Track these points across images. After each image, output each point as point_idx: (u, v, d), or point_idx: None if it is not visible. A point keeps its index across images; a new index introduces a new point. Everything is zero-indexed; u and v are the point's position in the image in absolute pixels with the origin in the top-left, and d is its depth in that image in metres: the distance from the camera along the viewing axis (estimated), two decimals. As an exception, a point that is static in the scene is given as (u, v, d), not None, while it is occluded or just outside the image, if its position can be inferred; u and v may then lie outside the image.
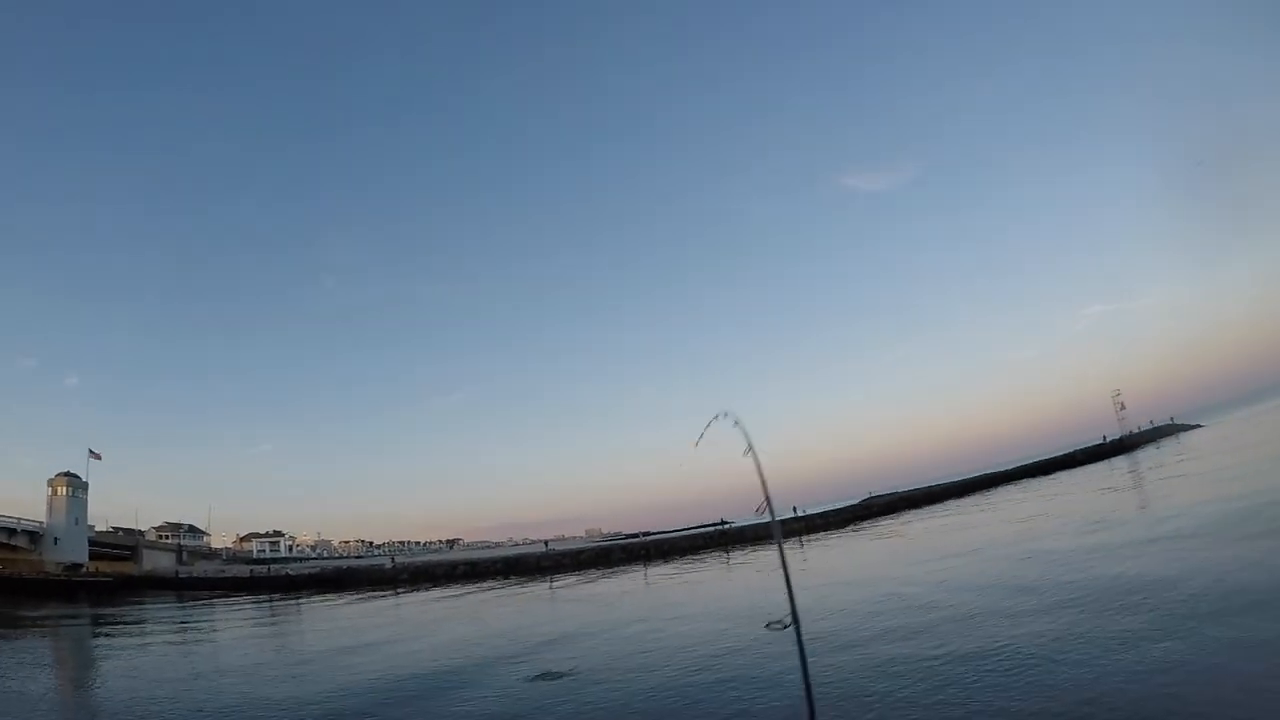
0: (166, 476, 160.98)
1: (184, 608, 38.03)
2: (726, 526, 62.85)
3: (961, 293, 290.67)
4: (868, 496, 72.81)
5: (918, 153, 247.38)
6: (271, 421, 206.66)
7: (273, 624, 29.15)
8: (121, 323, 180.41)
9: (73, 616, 33.52)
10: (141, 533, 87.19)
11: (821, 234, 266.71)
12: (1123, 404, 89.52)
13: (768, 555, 37.34)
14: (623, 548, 54.16)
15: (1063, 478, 53.16)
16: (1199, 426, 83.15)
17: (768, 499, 3.96)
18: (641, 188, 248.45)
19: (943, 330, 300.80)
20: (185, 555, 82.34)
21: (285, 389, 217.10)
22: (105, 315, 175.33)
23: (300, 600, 39.63)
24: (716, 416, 4.41)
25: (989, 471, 74.68)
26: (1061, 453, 79.48)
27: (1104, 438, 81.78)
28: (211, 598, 44.91)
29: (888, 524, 44.53)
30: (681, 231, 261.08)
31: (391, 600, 35.49)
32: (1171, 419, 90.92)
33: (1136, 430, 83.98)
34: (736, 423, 4.63)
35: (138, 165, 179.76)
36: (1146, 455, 55.86)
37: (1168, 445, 62.94)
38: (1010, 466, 76.33)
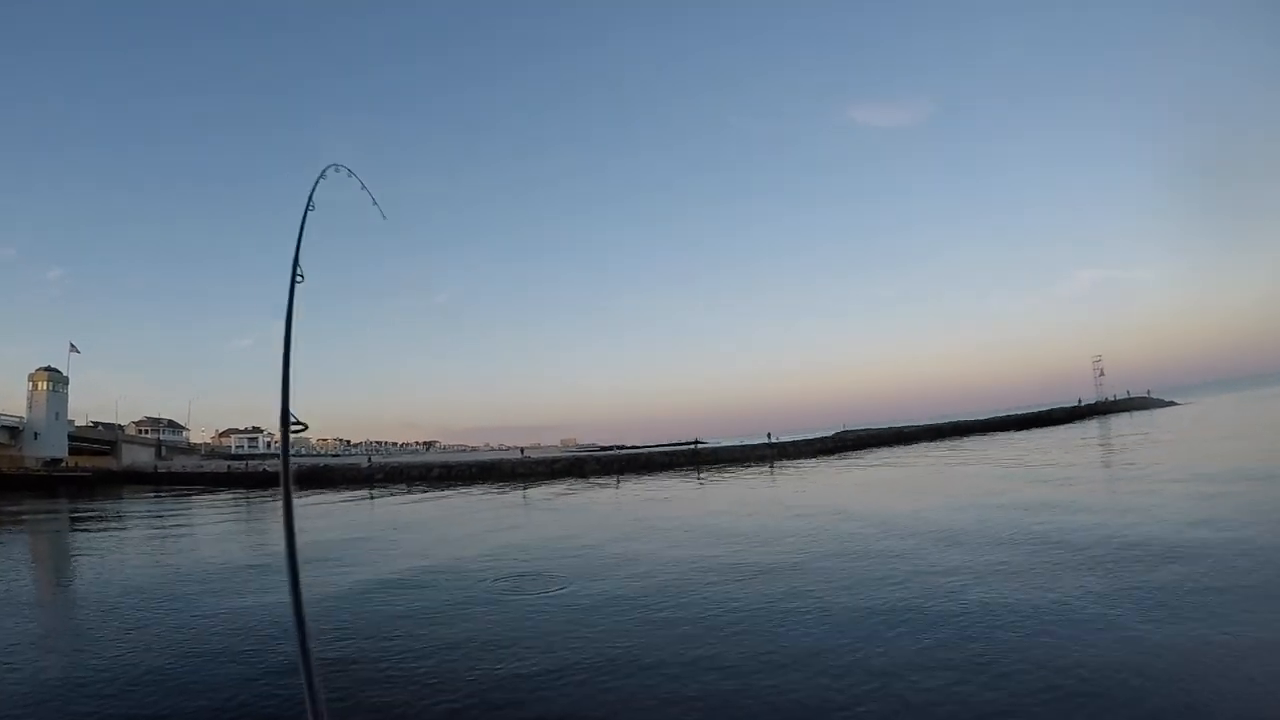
0: (147, 370, 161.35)
1: (161, 502, 38.73)
2: (700, 446, 64.33)
3: (957, 240, 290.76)
4: (841, 430, 74.51)
5: (932, 92, 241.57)
6: (253, 316, 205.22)
7: (247, 518, 29.82)
8: (104, 213, 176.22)
9: (52, 512, 34.00)
10: (121, 427, 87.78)
11: (824, 163, 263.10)
12: (1102, 370, 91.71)
13: (739, 478, 38.43)
14: (597, 459, 55.36)
15: (1034, 436, 53.59)
16: (1173, 404, 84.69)
17: (285, 406, 2.57)
18: (641, 92, 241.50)
19: (933, 275, 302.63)
20: (164, 450, 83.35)
21: (267, 283, 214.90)
22: (88, 205, 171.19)
23: (277, 496, 40.28)
24: (327, 169, 3.55)
25: (963, 419, 76.35)
26: (1036, 409, 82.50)
27: (1079, 401, 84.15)
28: (189, 493, 45.72)
29: (845, 462, 45.77)
30: (678, 140, 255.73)
31: (366, 499, 36.33)
32: (1148, 392, 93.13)
33: (1112, 398, 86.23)
34: (362, 186, 3.69)
35: (125, 51, 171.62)
36: (1119, 425, 56.63)
37: (1140, 418, 64.06)
38: (985, 417, 78.36)
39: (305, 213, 3.39)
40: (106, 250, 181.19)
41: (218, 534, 23.51)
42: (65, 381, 67.25)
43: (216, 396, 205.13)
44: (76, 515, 31.78)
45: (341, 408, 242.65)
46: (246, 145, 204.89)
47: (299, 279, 2.95)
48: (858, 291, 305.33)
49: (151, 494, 45.47)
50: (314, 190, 3.47)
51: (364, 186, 3.86)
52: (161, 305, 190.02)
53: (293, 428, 2.61)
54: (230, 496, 41.53)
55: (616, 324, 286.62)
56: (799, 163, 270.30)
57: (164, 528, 25.83)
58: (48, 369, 66.09)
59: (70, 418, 69.57)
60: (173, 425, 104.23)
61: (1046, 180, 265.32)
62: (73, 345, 69.51)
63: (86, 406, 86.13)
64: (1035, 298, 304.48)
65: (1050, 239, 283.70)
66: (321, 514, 29.41)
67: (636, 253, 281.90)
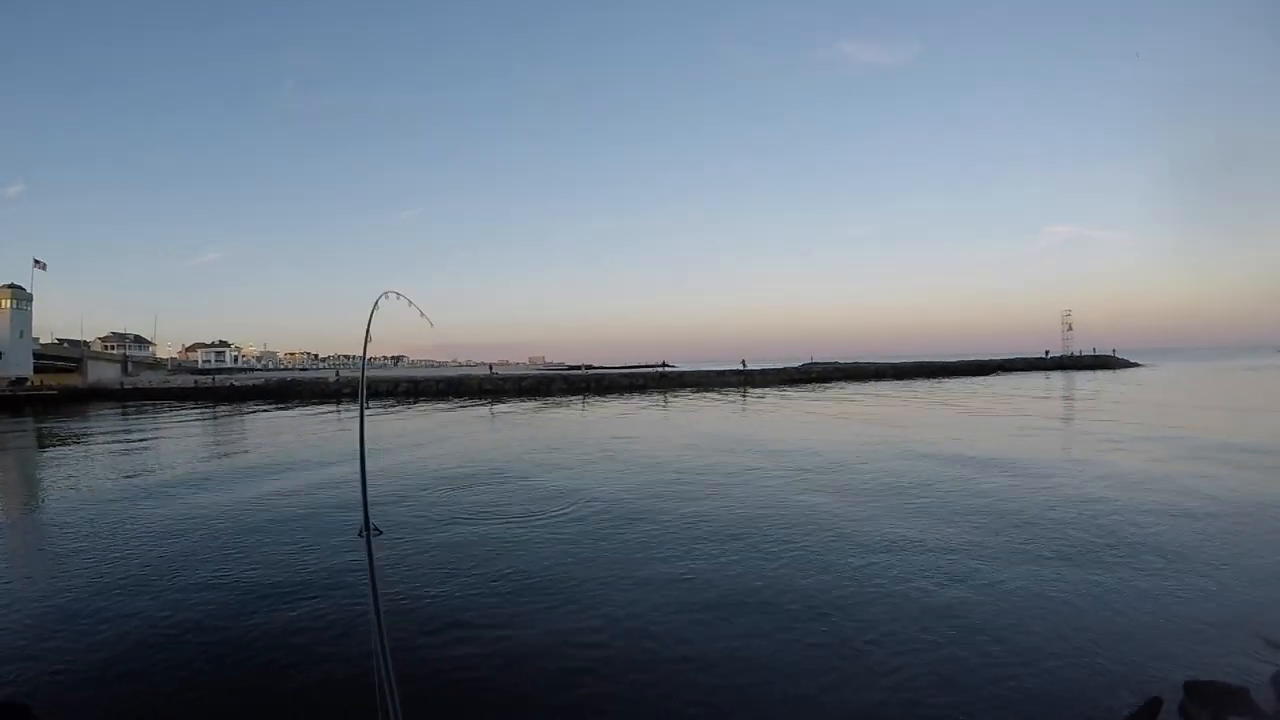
0: (112, 285, 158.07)
1: (127, 418, 38.77)
2: (667, 369, 65.50)
3: (936, 185, 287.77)
4: (809, 361, 75.96)
5: (923, 28, 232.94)
6: (220, 229, 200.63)
7: (215, 433, 30.19)
8: (67, 125, 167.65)
9: (18, 430, 33.90)
10: (87, 344, 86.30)
11: (809, 96, 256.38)
12: (1070, 325, 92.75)
13: (705, 401, 39.38)
14: (564, 378, 56.20)
15: (997, 383, 53.93)
16: (1138, 365, 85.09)
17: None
18: (628, 14, 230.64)
19: (911, 217, 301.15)
20: (130, 366, 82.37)
21: (236, 196, 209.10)
22: (50, 118, 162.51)
23: (244, 411, 40.72)
24: (381, 297, 3.85)
25: (930, 360, 77.54)
26: (1003, 357, 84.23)
27: (1046, 353, 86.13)
28: (156, 408, 45.73)
29: (796, 394, 46.66)
30: (661, 65, 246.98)
31: (334, 414, 36.79)
32: (1114, 351, 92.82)
33: (1079, 353, 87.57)
34: (411, 303, 4.01)
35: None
36: (1084, 380, 56.31)
37: (1104, 376, 63.98)
38: (953, 360, 79.68)
39: (365, 344, 3.83)
40: (68, 164, 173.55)
41: (184, 448, 23.91)
42: (29, 299, 65.63)
43: (184, 310, 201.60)
44: (43, 433, 31.87)
45: (308, 321, 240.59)
46: (209, 52, 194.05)
47: (367, 408, 3.50)
48: (832, 228, 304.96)
49: (118, 410, 45.39)
50: (370, 320, 3.84)
51: (412, 304, 4.16)
52: (126, 219, 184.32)
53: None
54: (197, 411, 41.72)
55: (588, 244, 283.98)
56: (783, 94, 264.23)
57: (131, 442, 26.17)
58: (11, 286, 64.30)
59: (35, 336, 68.29)
60: (139, 341, 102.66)
61: (1026, 132, 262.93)
62: (37, 261, 67.55)
63: (51, 324, 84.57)
64: (1007, 248, 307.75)
65: (1026, 191, 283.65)
66: (289, 428, 29.97)
67: (610, 175, 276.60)
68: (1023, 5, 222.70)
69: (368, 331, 3.83)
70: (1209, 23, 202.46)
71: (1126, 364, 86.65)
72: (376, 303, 3.83)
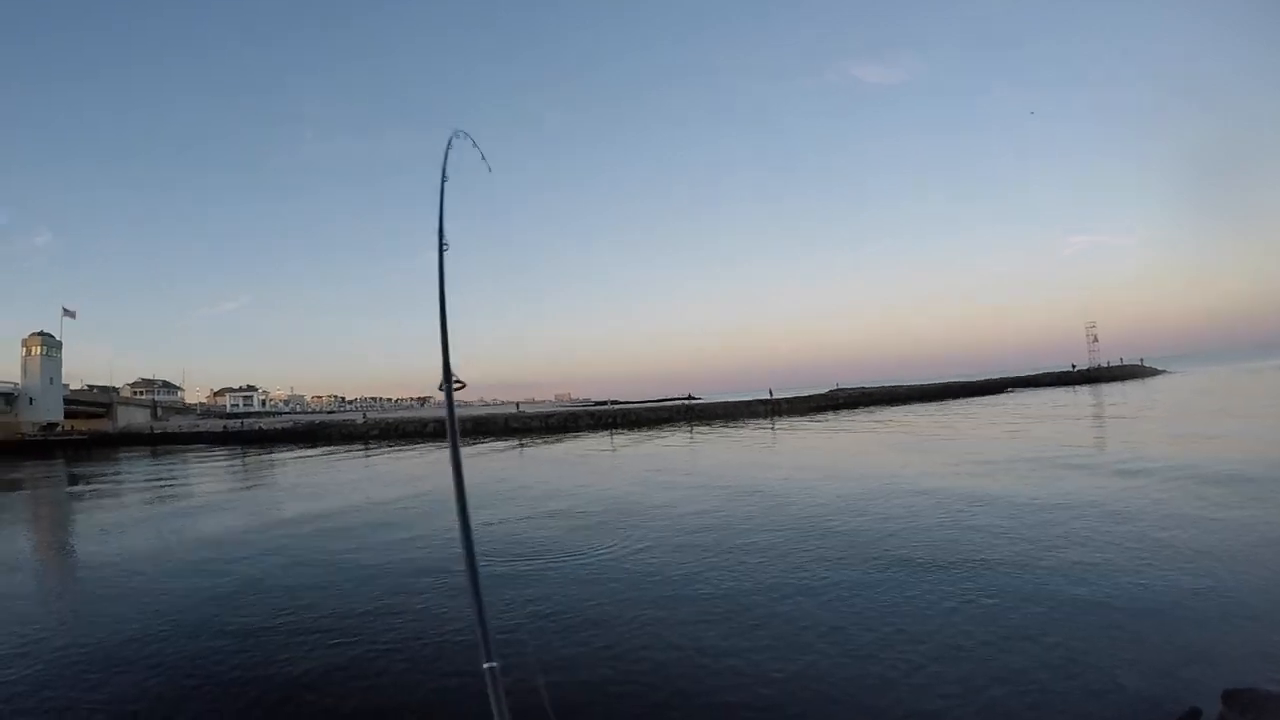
0: (141, 332, 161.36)
1: (157, 463, 38.88)
2: (694, 402, 64.93)
3: (953, 198, 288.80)
4: (835, 387, 75.16)
5: (928, 46, 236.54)
6: (247, 276, 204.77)
7: (244, 475, 30.06)
8: (95, 177, 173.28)
9: (49, 476, 34.10)
10: (116, 390, 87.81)
11: (821, 120, 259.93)
12: (1095, 336, 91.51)
13: (731, 435, 38.70)
14: (591, 414, 55.66)
15: (1021, 401, 51.95)
16: (1166, 372, 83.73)
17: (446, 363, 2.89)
18: (642, 48, 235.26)
19: (928, 233, 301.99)
20: (160, 411, 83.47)
21: (261, 243, 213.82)
22: (78, 170, 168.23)
23: (273, 453, 40.68)
24: (453, 139, 3.57)
25: (955, 380, 76.73)
26: (1030, 373, 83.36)
27: (1073, 366, 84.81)
28: (185, 452, 45.87)
29: (815, 424, 45.85)
30: (673, 94, 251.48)
31: (362, 455, 36.58)
32: (1141, 360, 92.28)
33: (1106, 364, 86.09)
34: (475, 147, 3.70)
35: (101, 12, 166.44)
36: (1111, 393, 55.01)
37: (1133, 387, 62.49)
38: (977, 379, 79.36)
39: (442, 184, 3.44)
40: (95, 214, 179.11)
41: (215, 490, 23.74)
42: (59, 346, 67.05)
43: (212, 355, 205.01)
44: (73, 476, 32.00)
45: (336, 365, 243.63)
46: (224, 105, 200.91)
47: (445, 247, 3.17)
48: (851, 250, 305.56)
49: (148, 454, 45.63)
50: (445, 161, 3.48)
51: (475, 145, 3.79)
52: (152, 268, 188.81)
53: (455, 385, 2.90)
54: (226, 455, 41.77)
55: (611, 281, 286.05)
56: (796, 118, 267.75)
57: (162, 484, 26.11)
58: (41, 334, 65.83)
59: (65, 382, 69.48)
60: (167, 386, 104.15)
61: (1040, 144, 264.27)
62: (66, 309, 69.06)
63: (81, 371, 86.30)
64: (1029, 261, 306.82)
65: (1044, 203, 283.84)
66: (319, 469, 29.78)
67: (629, 213, 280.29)
68: (1023, 13, 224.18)
69: (442, 184, 3.38)
70: (1217, 23, 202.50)
71: (1155, 372, 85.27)
72: (450, 142, 3.51)
